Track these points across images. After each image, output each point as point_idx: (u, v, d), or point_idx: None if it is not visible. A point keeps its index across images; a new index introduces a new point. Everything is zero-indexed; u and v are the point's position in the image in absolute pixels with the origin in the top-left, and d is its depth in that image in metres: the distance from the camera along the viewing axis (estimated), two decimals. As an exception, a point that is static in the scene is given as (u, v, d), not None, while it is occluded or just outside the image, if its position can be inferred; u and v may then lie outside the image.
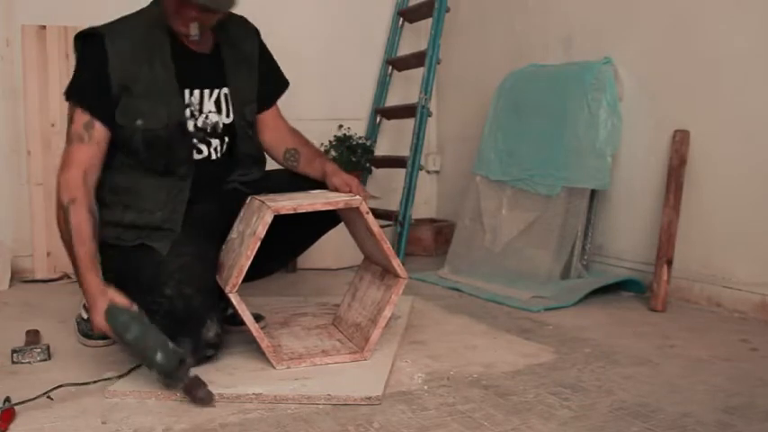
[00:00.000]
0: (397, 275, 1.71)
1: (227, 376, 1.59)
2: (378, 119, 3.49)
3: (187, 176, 1.80)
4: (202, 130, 1.84)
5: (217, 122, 1.86)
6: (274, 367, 1.64)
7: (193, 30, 1.71)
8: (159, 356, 1.46)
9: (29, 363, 1.75)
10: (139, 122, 1.73)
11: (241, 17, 1.96)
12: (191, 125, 1.82)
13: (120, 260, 1.75)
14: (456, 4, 3.22)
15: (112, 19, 1.77)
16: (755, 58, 2.08)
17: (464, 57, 3.37)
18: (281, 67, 2.05)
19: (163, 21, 1.77)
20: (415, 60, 3.23)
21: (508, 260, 2.57)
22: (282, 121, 2.06)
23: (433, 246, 3.26)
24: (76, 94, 1.74)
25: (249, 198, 1.79)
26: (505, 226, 2.63)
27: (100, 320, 1.58)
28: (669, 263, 2.22)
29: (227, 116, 1.88)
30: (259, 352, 1.67)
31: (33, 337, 1.90)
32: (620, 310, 2.21)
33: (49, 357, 1.79)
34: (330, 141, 3.21)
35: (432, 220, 3.50)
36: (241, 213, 1.80)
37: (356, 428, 1.33)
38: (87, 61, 1.75)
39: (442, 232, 3.27)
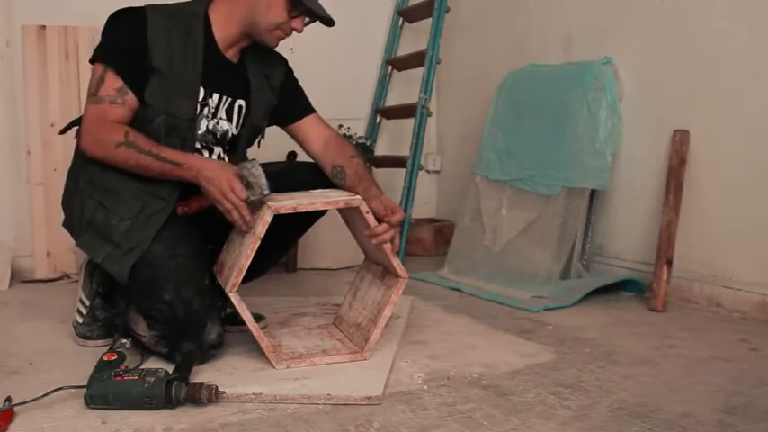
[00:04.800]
0: (397, 275, 1.71)
1: (227, 376, 1.59)
2: (378, 119, 3.49)
3: (171, 197, 1.71)
4: (212, 133, 1.83)
5: (227, 131, 1.86)
6: (274, 367, 1.64)
7: (300, 26, 1.78)
8: (149, 405, 1.42)
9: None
10: (166, 107, 1.70)
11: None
12: (203, 126, 1.81)
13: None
14: (456, 4, 3.22)
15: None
16: (755, 57, 2.09)
17: (464, 57, 3.37)
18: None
19: (205, 19, 1.77)
20: (415, 60, 3.23)
21: (508, 260, 2.57)
22: (328, 132, 1.96)
23: (433, 246, 3.26)
24: (112, 57, 1.68)
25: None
26: (505, 226, 2.63)
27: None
28: (669, 263, 2.22)
29: (236, 128, 1.88)
30: (259, 352, 1.67)
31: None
32: (620, 310, 2.21)
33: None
34: (330, 141, 3.21)
35: (432, 220, 3.50)
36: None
37: (356, 428, 1.33)
38: (127, 30, 1.69)
39: (442, 232, 3.27)
